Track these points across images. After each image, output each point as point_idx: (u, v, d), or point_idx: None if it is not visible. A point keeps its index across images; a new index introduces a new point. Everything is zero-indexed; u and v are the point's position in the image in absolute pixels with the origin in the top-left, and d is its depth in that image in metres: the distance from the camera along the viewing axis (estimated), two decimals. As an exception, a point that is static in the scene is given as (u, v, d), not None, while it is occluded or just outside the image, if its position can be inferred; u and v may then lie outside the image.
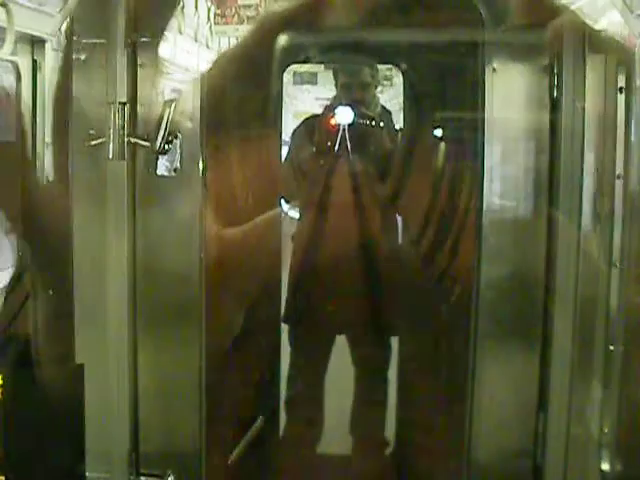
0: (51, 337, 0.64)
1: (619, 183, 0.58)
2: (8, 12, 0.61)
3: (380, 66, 1.01)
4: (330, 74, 1.04)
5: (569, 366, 0.59)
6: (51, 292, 0.63)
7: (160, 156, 0.60)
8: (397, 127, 1.00)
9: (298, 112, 0.99)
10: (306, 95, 1.01)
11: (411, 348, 0.96)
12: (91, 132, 0.61)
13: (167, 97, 0.60)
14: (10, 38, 0.62)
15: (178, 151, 0.60)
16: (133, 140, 0.60)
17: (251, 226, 0.75)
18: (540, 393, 0.61)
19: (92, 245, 0.61)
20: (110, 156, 0.60)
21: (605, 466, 0.59)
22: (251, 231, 0.75)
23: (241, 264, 0.74)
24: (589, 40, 0.60)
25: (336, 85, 1.07)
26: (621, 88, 0.57)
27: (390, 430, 0.97)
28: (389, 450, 0.97)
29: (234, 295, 0.74)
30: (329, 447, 1.00)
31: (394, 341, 1.00)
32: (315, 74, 1.00)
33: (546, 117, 0.60)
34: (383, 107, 1.06)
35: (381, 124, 1.00)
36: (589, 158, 0.58)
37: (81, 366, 0.60)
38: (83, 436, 0.61)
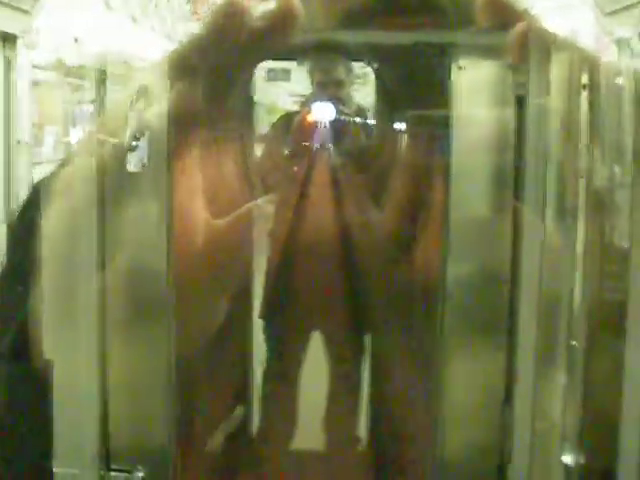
0: (19, 333, 0.64)
1: (582, 180, 0.59)
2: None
3: (353, 63, 1.01)
4: (303, 70, 1.04)
5: (533, 360, 0.60)
6: (20, 288, 0.63)
7: (128, 152, 0.61)
8: (373, 123, 1.01)
9: (271, 108, 1.00)
10: (280, 91, 1.01)
11: (389, 344, 0.96)
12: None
13: (135, 94, 0.61)
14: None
15: (146, 147, 0.61)
16: (101, 137, 0.61)
17: (226, 222, 0.75)
18: (506, 388, 0.61)
19: (60, 241, 0.61)
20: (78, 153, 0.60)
21: (568, 460, 0.60)
22: (226, 227, 0.75)
23: (215, 259, 0.74)
24: (554, 39, 0.61)
25: (312, 83, 1.08)
26: (584, 85, 0.58)
27: (365, 426, 0.98)
28: (363, 446, 0.98)
29: (208, 291, 0.75)
30: (305, 443, 1.00)
31: (372, 337, 1.00)
32: (289, 71, 1.00)
33: (512, 114, 0.61)
34: (358, 104, 1.06)
35: (357, 120, 1.01)
36: (554, 155, 0.59)
37: (49, 361, 0.60)
38: (51, 432, 0.61)
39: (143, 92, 0.60)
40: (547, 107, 0.59)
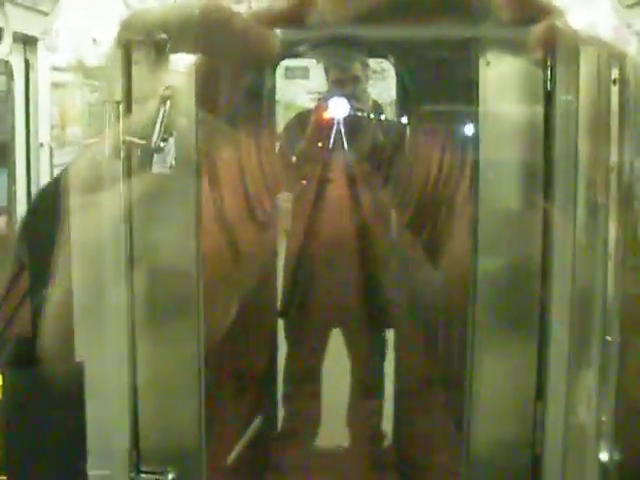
0: (51, 335, 0.64)
1: (613, 174, 0.58)
2: (4, 13, 0.61)
3: (371, 59, 1.01)
4: (321, 68, 1.04)
5: (566, 356, 0.59)
6: (46, 291, 0.63)
7: (155, 153, 0.60)
8: (390, 119, 1.01)
9: (289, 105, 0.99)
10: (298, 89, 1.01)
11: (408, 340, 0.96)
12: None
13: (161, 94, 0.60)
14: (7, 40, 0.61)
15: (173, 148, 0.60)
16: (128, 138, 0.60)
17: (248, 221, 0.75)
18: (538, 383, 0.61)
19: (89, 242, 0.61)
20: (106, 154, 0.60)
21: (603, 456, 0.59)
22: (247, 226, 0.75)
23: (236, 256, 0.74)
24: (580, 35, 0.60)
25: (327, 80, 1.08)
26: (615, 80, 0.58)
27: (387, 422, 0.98)
28: (386, 442, 0.98)
29: (230, 289, 0.75)
30: (328, 440, 1.00)
31: (391, 333, 1.00)
32: (307, 69, 1.00)
33: (540, 109, 0.60)
34: (375, 100, 1.06)
35: (372, 116, 1.00)
36: (583, 150, 0.59)
37: (81, 364, 0.60)
38: (84, 434, 0.61)
39: (170, 93, 0.60)
40: (576, 102, 0.58)
